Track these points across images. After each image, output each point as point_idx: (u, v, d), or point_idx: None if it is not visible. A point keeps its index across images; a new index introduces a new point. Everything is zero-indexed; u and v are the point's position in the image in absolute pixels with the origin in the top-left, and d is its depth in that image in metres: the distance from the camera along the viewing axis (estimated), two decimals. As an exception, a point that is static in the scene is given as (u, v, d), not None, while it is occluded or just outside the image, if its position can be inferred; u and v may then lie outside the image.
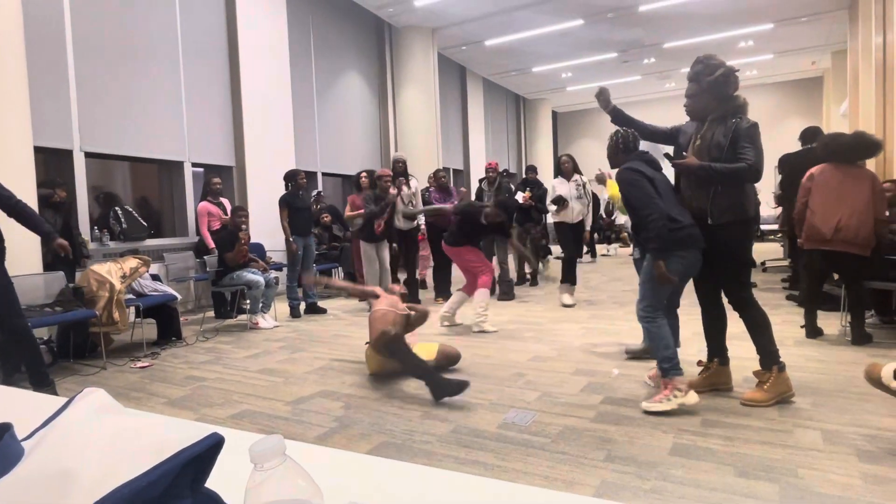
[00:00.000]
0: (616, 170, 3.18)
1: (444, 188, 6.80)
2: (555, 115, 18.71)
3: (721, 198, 2.86)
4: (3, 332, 3.27)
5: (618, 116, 3.31)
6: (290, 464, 0.43)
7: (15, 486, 0.50)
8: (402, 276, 6.65)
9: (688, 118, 3.14)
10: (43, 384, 3.40)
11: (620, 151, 3.20)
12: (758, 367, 3.00)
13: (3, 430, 0.59)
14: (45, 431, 0.59)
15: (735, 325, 3.21)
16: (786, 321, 4.70)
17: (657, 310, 2.95)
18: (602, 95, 3.31)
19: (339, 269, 7.87)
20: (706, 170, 2.82)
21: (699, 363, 3.27)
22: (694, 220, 2.93)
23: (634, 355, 3.85)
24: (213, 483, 0.57)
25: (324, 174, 9.08)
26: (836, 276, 4.47)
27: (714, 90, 2.87)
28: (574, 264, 6.04)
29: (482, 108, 14.48)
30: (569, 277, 5.97)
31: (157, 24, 6.36)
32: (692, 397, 2.79)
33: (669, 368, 2.85)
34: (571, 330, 4.81)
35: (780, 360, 2.90)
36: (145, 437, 0.55)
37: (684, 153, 2.97)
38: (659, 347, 2.89)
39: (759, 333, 2.94)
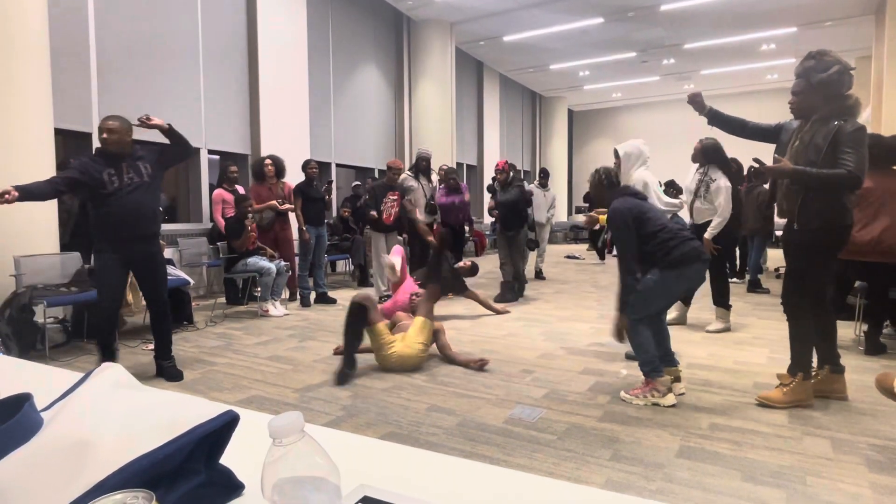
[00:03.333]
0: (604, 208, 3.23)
1: (453, 189, 6.66)
2: (571, 113, 18.59)
3: (811, 203, 2.73)
4: (151, 305, 3.57)
5: (716, 117, 3.17)
6: (308, 440, 0.43)
7: (34, 456, 0.51)
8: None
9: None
10: (166, 358, 3.61)
11: (605, 188, 3.23)
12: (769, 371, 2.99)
13: (24, 399, 0.60)
14: (63, 403, 0.60)
15: (746, 332, 3.19)
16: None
17: (641, 320, 3.00)
18: (696, 98, 3.15)
19: (350, 260, 7.91)
20: (800, 174, 2.68)
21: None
22: (787, 224, 2.87)
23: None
24: (226, 459, 0.58)
25: (338, 165, 9.10)
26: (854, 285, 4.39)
27: (824, 89, 2.70)
28: (718, 281, 4.62)
29: (498, 104, 14.42)
30: (719, 301, 4.66)
31: (178, 13, 6.40)
32: (669, 399, 2.93)
33: (650, 371, 2.98)
34: (580, 329, 4.79)
35: (810, 371, 2.87)
36: (162, 412, 0.55)
37: (775, 155, 2.85)
38: (639, 352, 3.01)
39: (800, 343, 2.88)
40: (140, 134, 3.61)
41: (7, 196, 2.86)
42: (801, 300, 2.86)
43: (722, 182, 4.39)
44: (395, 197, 6.09)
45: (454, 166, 6.91)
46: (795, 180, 2.74)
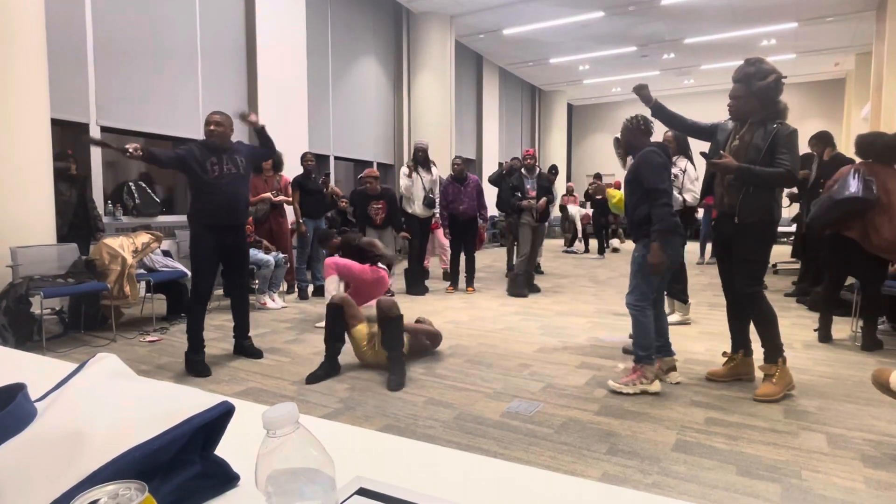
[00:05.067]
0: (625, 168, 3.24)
1: (459, 178, 6.44)
2: (570, 107, 18.55)
3: (751, 199, 2.91)
4: (235, 290, 3.80)
5: (660, 111, 3.30)
6: (302, 432, 0.43)
7: (28, 446, 0.51)
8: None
9: (709, 118, 3.21)
10: (245, 337, 3.85)
11: (642, 133, 3.17)
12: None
13: (17, 389, 0.59)
14: (57, 393, 0.60)
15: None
16: (795, 324, 4.67)
17: (647, 300, 3.05)
18: (643, 90, 3.28)
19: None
20: (745, 171, 2.86)
21: (724, 354, 3.35)
22: (722, 217, 3.07)
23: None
24: (221, 451, 0.58)
25: (336, 158, 9.08)
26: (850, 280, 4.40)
27: (763, 95, 2.89)
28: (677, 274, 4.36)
29: (497, 97, 14.38)
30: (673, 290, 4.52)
31: (176, 4, 6.35)
32: (656, 386, 3.00)
33: (644, 357, 3.02)
34: (577, 323, 4.80)
35: (783, 353, 3.00)
36: (157, 402, 0.55)
37: (721, 151, 3.00)
38: (640, 336, 3.04)
39: (766, 327, 3.02)
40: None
41: (134, 150, 3.10)
42: (752, 289, 3.01)
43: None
44: (380, 205, 5.98)
45: (457, 162, 6.60)
46: (739, 176, 2.90)
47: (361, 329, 3.52)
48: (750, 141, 2.92)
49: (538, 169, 6.37)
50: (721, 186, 3.06)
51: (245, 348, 3.82)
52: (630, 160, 3.32)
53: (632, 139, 3.19)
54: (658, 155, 3.02)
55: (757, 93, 2.90)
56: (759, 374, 3.13)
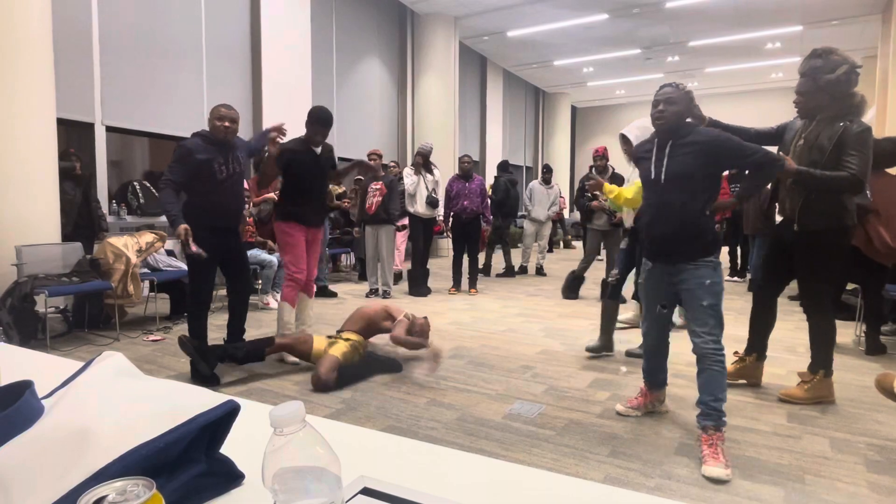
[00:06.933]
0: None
1: (465, 176, 6.41)
2: (574, 110, 18.54)
3: (814, 204, 2.70)
4: (239, 293, 3.67)
5: (716, 126, 2.88)
6: (309, 430, 0.43)
7: (35, 443, 0.51)
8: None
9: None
10: (240, 338, 3.66)
11: (691, 108, 2.47)
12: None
13: (25, 386, 0.60)
14: (64, 391, 0.60)
15: (746, 330, 3.18)
16: (798, 327, 4.64)
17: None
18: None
19: (352, 254, 7.91)
20: (804, 175, 2.64)
21: (735, 353, 3.25)
22: (785, 223, 2.86)
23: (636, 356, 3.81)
24: (227, 449, 0.58)
25: (340, 158, 9.09)
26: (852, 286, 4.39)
27: (832, 89, 2.64)
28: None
29: (501, 99, 14.38)
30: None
31: (182, 4, 6.38)
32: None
33: (723, 416, 2.25)
34: (580, 325, 4.79)
35: (830, 368, 2.89)
36: (163, 400, 0.55)
37: (780, 153, 2.80)
38: (718, 391, 2.28)
39: (819, 342, 2.91)
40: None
41: (190, 238, 3.15)
42: (815, 301, 2.88)
43: None
44: (378, 186, 5.95)
45: (465, 160, 6.51)
46: (798, 180, 2.72)
47: (319, 346, 3.35)
48: (815, 141, 2.68)
49: (611, 169, 6.06)
50: (783, 190, 2.85)
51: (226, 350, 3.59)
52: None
53: (684, 115, 2.40)
54: (723, 132, 2.41)
55: (826, 87, 2.64)
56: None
